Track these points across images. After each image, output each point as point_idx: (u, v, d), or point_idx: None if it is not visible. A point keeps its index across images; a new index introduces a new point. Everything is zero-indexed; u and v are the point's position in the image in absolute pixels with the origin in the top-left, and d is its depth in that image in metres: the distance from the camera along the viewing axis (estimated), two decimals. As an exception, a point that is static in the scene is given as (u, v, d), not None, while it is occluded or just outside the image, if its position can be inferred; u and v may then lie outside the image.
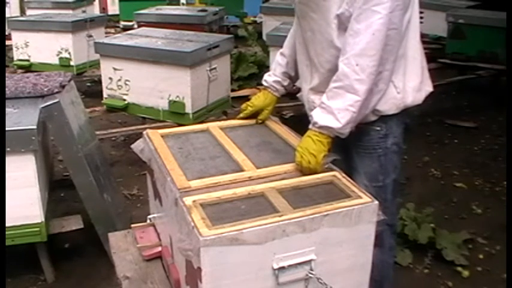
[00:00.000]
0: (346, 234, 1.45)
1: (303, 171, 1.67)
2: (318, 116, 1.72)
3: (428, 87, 1.90)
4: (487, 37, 5.28)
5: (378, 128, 1.84)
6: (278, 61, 2.13)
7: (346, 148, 1.91)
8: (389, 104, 1.79)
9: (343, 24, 1.69)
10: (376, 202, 1.48)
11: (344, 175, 1.63)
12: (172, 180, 1.58)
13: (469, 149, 4.49)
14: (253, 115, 2.08)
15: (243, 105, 2.12)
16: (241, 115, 2.09)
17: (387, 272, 2.06)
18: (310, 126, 1.74)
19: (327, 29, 1.73)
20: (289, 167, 1.70)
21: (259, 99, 2.09)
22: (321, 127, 1.70)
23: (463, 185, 3.80)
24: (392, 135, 1.86)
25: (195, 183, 1.58)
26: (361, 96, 1.66)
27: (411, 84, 1.81)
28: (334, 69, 1.72)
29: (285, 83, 2.11)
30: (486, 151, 4.45)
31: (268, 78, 2.13)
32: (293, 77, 2.11)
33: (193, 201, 1.45)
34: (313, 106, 1.86)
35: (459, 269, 2.81)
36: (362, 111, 1.70)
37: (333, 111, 1.67)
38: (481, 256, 2.94)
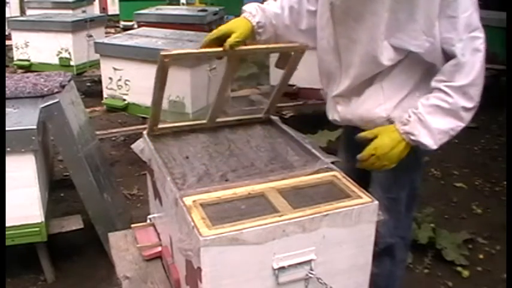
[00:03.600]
0: (346, 234, 1.45)
1: (363, 165, 1.65)
2: (416, 129, 1.60)
3: None
4: (487, 37, 5.25)
5: None
6: (275, 9, 1.78)
7: None
8: None
9: (417, 54, 1.56)
10: (376, 202, 1.48)
11: (344, 175, 1.63)
12: None
13: (469, 149, 4.50)
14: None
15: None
16: (203, 42, 1.69)
17: (394, 283, 2.01)
18: (401, 131, 1.62)
19: (370, 44, 1.59)
20: None
21: (228, 24, 1.72)
22: (414, 141, 1.61)
23: (463, 185, 3.80)
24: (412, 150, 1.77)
25: None
26: (465, 124, 1.60)
27: None
28: (368, 81, 1.65)
29: (268, 14, 1.77)
30: (486, 151, 4.45)
31: (250, 5, 1.77)
32: (279, 33, 1.79)
33: (193, 201, 1.45)
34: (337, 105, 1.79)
35: (459, 269, 2.81)
36: None
37: (432, 129, 1.59)
38: (481, 256, 2.95)
